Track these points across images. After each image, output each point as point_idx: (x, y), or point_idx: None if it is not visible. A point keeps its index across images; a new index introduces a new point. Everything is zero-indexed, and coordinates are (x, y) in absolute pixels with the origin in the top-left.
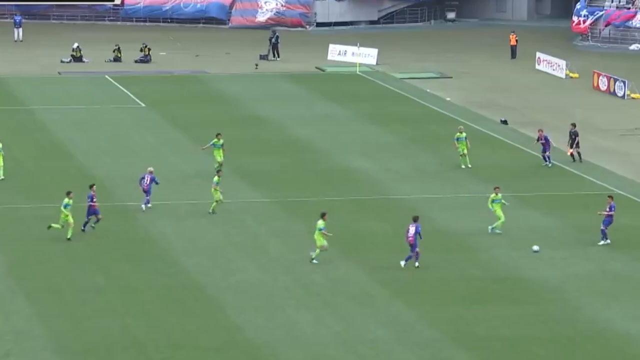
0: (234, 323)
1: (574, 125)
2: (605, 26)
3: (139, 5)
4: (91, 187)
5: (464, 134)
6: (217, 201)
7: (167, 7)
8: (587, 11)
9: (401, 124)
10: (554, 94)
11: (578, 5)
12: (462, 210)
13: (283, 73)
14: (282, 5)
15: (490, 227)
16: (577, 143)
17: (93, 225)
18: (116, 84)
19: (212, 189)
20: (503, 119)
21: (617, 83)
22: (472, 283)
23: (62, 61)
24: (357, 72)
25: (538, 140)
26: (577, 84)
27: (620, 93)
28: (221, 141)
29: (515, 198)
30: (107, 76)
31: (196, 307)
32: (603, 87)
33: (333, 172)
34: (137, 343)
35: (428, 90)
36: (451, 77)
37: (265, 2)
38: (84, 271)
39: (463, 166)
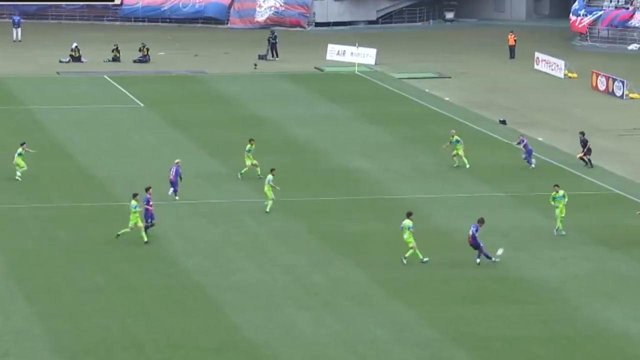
0: (234, 323)
1: (582, 133)
2: (604, 27)
3: (137, 5)
4: (147, 190)
5: (456, 137)
6: (272, 199)
7: (166, 7)
8: (585, 11)
9: (400, 124)
10: (552, 94)
11: (576, 5)
12: (462, 210)
13: (282, 73)
14: (280, 6)
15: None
16: (589, 150)
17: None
18: (115, 84)
19: (267, 187)
20: (502, 119)
21: (616, 83)
22: (472, 283)
23: (60, 61)
24: (356, 72)
25: (519, 143)
26: (575, 84)
27: (618, 93)
28: (253, 146)
29: (515, 198)
30: (106, 76)
31: (196, 307)
32: (602, 87)
33: (332, 172)
34: (137, 343)
35: (427, 90)
36: (450, 77)
37: (264, 2)
38: (83, 271)
39: (456, 165)
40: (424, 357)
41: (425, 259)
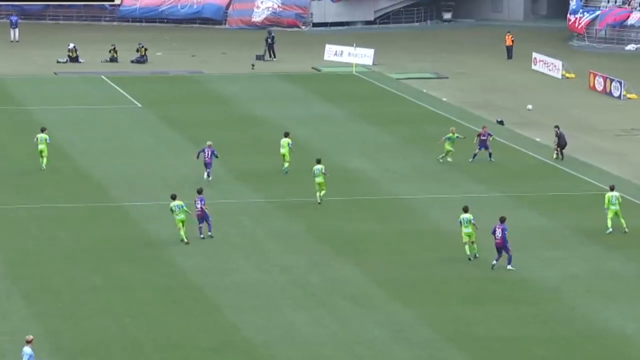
0: (232, 323)
1: (557, 127)
2: (602, 27)
3: (135, 6)
4: (200, 191)
5: (457, 134)
6: (324, 189)
7: (164, 8)
8: (583, 10)
9: (398, 124)
10: (550, 95)
11: (574, 5)
12: (460, 210)
13: (279, 73)
14: (278, 6)
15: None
16: (565, 144)
17: (202, 234)
18: (112, 84)
19: (322, 177)
20: (499, 119)
21: (613, 83)
22: (471, 283)
23: (58, 61)
24: (354, 73)
25: (479, 135)
26: (573, 85)
27: (616, 93)
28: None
29: (512, 198)
30: (103, 76)
31: (194, 307)
32: (599, 87)
33: (330, 172)
34: (136, 343)
35: (424, 91)
36: (447, 78)
37: (262, 2)
38: (82, 271)
39: (441, 157)
40: (422, 357)
41: (477, 255)
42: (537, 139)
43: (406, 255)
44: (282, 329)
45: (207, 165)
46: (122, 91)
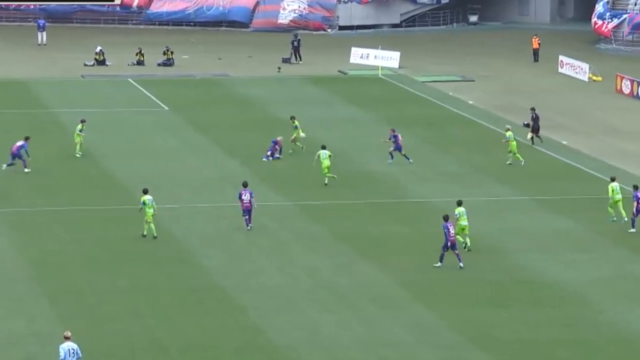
0: (256, 325)
1: (533, 109)
2: (629, 31)
3: (162, 9)
4: (245, 185)
5: (509, 133)
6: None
7: (191, 11)
8: (610, 14)
9: (422, 126)
10: (576, 97)
11: (601, 9)
12: (483, 212)
13: (305, 76)
14: (304, 9)
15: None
16: (538, 127)
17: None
18: (139, 87)
19: (328, 160)
20: (526, 122)
21: None
22: (494, 285)
23: (85, 64)
24: (380, 75)
25: (390, 138)
26: (599, 87)
27: None
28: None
29: (537, 201)
30: (130, 79)
31: (218, 309)
32: (626, 90)
33: (354, 175)
34: (159, 345)
35: (450, 94)
36: (473, 81)
37: (288, 5)
38: (106, 273)
39: (509, 162)
40: (446, 359)
41: (470, 248)
42: (564, 142)
43: (429, 257)
44: (306, 331)
45: (271, 153)
46: (148, 94)
